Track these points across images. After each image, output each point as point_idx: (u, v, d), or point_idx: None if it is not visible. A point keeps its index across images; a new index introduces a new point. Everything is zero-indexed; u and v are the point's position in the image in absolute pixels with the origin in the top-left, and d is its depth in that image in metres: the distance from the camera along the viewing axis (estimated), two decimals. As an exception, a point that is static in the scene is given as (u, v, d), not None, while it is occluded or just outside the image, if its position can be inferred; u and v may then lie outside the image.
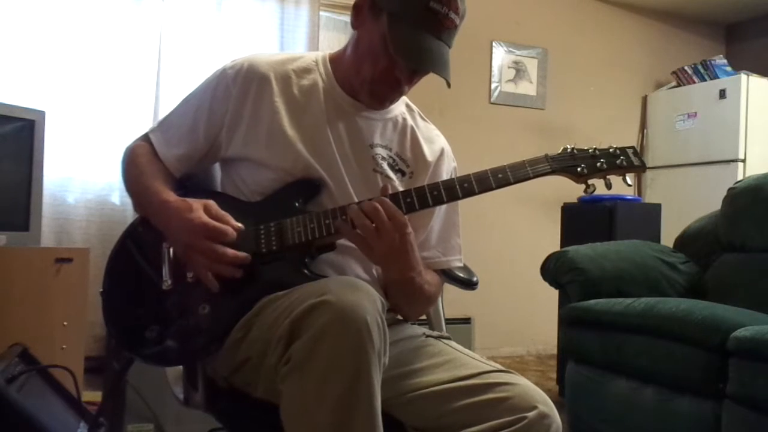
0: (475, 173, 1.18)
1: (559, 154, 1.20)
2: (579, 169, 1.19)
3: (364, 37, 1.24)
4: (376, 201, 1.12)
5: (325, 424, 0.93)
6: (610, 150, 1.21)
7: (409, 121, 1.36)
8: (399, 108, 1.36)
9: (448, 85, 1.19)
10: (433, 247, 1.35)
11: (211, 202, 1.18)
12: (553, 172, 1.18)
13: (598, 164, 1.19)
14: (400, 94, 1.28)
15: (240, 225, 1.16)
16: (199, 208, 1.15)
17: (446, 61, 1.19)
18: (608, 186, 1.21)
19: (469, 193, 1.18)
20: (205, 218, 1.14)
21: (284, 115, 1.25)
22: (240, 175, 1.28)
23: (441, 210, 1.35)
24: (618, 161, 1.20)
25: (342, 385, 0.93)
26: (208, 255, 1.13)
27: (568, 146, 1.21)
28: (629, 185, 1.24)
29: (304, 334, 0.95)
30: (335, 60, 1.32)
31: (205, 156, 1.31)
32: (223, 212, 1.17)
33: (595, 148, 1.21)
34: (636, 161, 1.21)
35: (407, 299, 1.26)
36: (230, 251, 1.13)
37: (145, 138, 1.34)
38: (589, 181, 1.20)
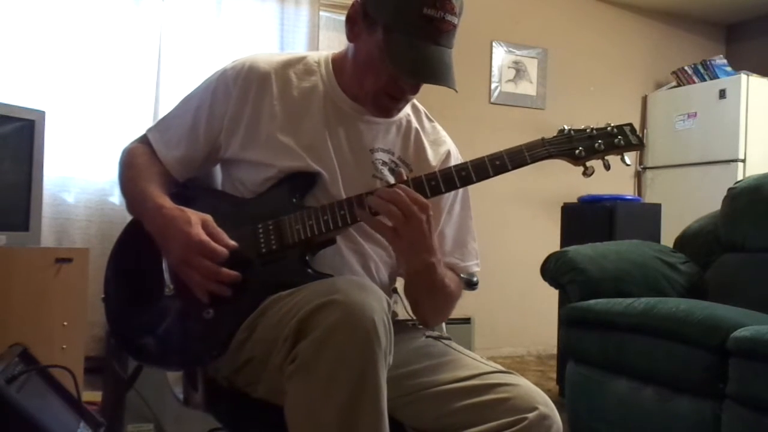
0: (472, 160, 1.16)
1: (555, 136, 1.18)
2: (577, 151, 1.17)
3: (361, 50, 1.21)
4: (396, 187, 1.11)
5: (331, 423, 0.93)
6: (608, 129, 1.18)
7: (414, 124, 1.34)
8: (404, 110, 1.32)
9: (455, 91, 1.17)
10: (449, 253, 1.32)
11: (209, 218, 1.16)
12: (551, 156, 1.17)
13: (596, 145, 1.17)
14: (407, 102, 1.25)
15: (234, 243, 1.15)
16: (197, 223, 1.13)
17: (448, 67, 1.15)
18: (607, 167, 1.19)
19: (466, 181, 1.16)
20: (203, 236, 1.12)
21: (283, 119, 1.24)
22: (239, 177, 1.27)
23: (454, 215, 1.34)
24: (616, 140, 1.17)
25: (349, 384, 0.93)
26: (202, 272, 1.12)
27: (565, 127, 1.19)
28: (628, 165, 1.21)
29: (311, 333, 0.95)
30: (337, 61, 1.30)
31: (207, 158, 1.30)
32: (219, 230, 1.15)
33: (592, 128, 1.19)
34: (634, 139, 1.18)
35: (429, 293, 1.23)
36: (224, 270, 1.12)
37: (143, 139, 1.32)
38: (588, 163, 1.18)
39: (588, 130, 1.18)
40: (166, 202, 1.19)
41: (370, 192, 1.14)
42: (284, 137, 1.23)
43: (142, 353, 1.20)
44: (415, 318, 1.34)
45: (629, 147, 1.18)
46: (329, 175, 1.23)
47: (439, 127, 1.39)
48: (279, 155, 1.23)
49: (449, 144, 1.38)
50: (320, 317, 0.95)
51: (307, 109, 1.26)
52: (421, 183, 1.15)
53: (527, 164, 1.16)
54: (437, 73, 1.14)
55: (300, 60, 1.30)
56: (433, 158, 1.33)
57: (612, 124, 1.19)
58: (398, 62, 1.13)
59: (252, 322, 1.13)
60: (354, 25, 1.21)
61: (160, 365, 1.22)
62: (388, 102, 1.22)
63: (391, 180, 1.27)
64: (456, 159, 1.37)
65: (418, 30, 1.12)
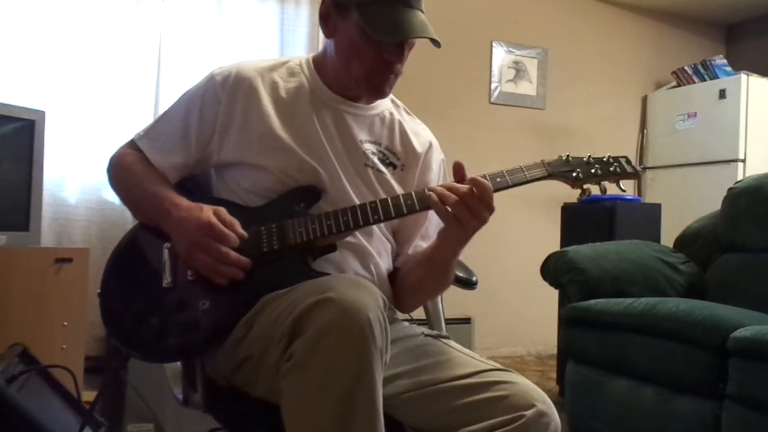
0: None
1: (554, 160, 1.23)
2: (574, 174, 1.22)
3: (341, 40, 1.25)
4: (476, 181, 1.12)
5: (327, 421, 0.93)
6: (604, 159, 1.24)
7: (396, 116, 1.39)
8: (385, 104, 1.38)
9: (437, 44, 1.20)
10: (431, 236, 1.35)
11: (222, 209, 1.19)
12: (549, 176, 1.21)
13: (593, 170, 1.23)
14: (396, 75, 1.28)
15: (245, 233, 1.17)
16: (209, 210, 1.17)
17: (425, 24, 1.20)
18: (603, 191, 1.25)
19: None
20: (213, 219, 1.15)
21: (274, 118, 1.27)
22: (235, 179, 1.29)
23: None
24: (612, 168, 1.24)
25: (344, 383, 0.93)
26: (211, 254, 1.14)
27: (563, 155, 1.24)
28: (623, 191, 1.28)
29: (306, 331, 0.96)
30: (318, 60, 1.34)
31: (198, 161, 1.31)
32: (231, 218, 1.18)
33: (589, 156, 1.24)
34: (629, 169, 1.25)
35: (438, 280, 1.30)
36: (233, 253, 1.14)
37: (132, 146, 1.33)
38: (585, 186, 1.24)
39: (585, 158, 1.24)
40: (182, 200, 1.22)
41: (434, 187, 1.16)
42: (279, 135, 1.25)
43: (136, 345, 1.21)
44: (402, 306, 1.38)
45: (625, 175, 1.25)
46: (328, 169, 1.25)
47: (417, 120, 1.44)
48: (275, 155, 1.25)
49: (430, 135, 1.42)
50: (314, 316, 0.96)
51: (296, 107, 1.29)
52: (422, 195, 1.17)
53: (527, 182, 1.20)
54: (417, 29, 1.19)
55: (282, 64, 1.35)
56: (419, 147, 1.38)
57: (609, 155, 1.25)
58: (378, 29, 1.18)
59: (249, 319, 1.14)
60: (328, 20, 1.26)
61: (154, 357, 1.23)
62: (380, 78, 1.25)
63: (383, 168, 1.31)
64: (437, 149, 1.42)
65: None
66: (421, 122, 1.44)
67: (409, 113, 1.43)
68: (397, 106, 1.42)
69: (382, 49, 1.21)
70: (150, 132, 1.33)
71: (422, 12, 1.21)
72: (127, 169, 1.30)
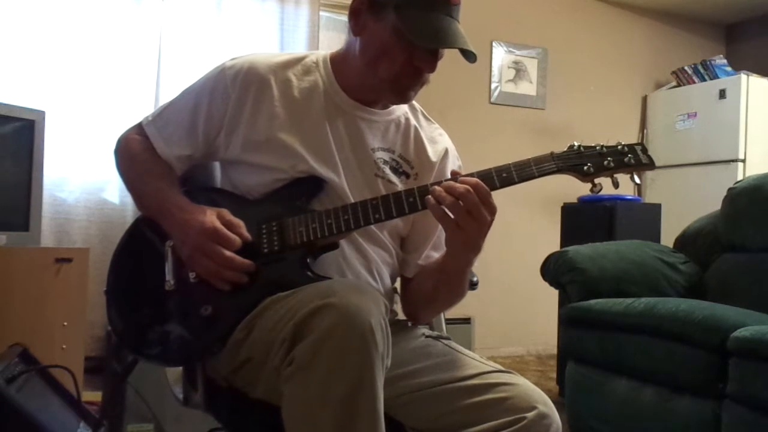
0: (479, 172, 1.13)
1: (565, 152, 1.16)
2: (585, 167, 1.14)
3: (370, 41, 1.20)
4: (466, 181, 1.08)
5: (328, 425, 0.93)
6: (618, 147, 1.16)
7: (413, 122, 1.34)
8: (401, 108, 1.33)
9: (474, 58, 1.18)
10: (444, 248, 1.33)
11: (225, 210, 1.17)
12: (559, 170, 1.14)
13: (606, 163, 1.14)
14: (423, 83, 1.24)
15: (249, 237, 1.16)
16: (212, 213, 1.16)
17: (464, 36, 1.18)
18: (615, 185, 1.17)
19: None
20: (217, 223, 1.14)
21: (284, 119, 1.24)
22: (238, 177, 1.27)
23: None
24: (626, 159, 1.15)
25: (345, 388, 0.93)
26: (215, 259, 1.13)
27: (575, 144, 1.17)
28: (637, 183, 1.19)
29: (308, 336, 0.95)
30: (336, 60, 1.29)
31: (205, 155, 1.30)
32: (236, 220, 1.16)
33: (602, 146, 1.16)
34: (644, 159, 1.15)
35: (451, 288, 1.24)
36: (237, 258, 1.13)
37: (139, 130, 1.31)
38: (596, 180, 1.16)
39: (598, 148, 1.16)
40: (184, 200, 1.20)
41: (437, 182, 1.12)
42: (286, 137, 1.23)
43: (140, 347, 1.21)
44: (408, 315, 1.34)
45: (639, 166, 1.15)
46: (333, 174, 1.23)
47: (435, 125, 1.39)
48: (281, 157, 1.22)
49: (447, 142, 1.37)
50: (317, 320, 0.95)
51: (308, 108, 1.26)
52: (425, 191, 1.14)
53: (535, 178, 1.14)
54: (458, 38, 1.17)
55: (299, 61, 1.30)
56: (433, 155, 1.33)
57: (623, 143, 1.17)
58: (419, 35, 1.15)
59: (249, 322, 1.13)
60: (358, 17, 1.21)
61: (158, 360, 1.23)
62: (408, 82, 1.21)
63: (394, 179, 1.27)
64: (453, 156, 1.37)
65: (430, 3, 1.15)
66: (439, 127, 1.39)
67: (428, 117, 1.38)
68: (414, 110, 1.37)
69: (413, 54, 1.17)
70: (158, 119, 1.31)
71: (459, 23, 1.19)
72: (132, 158, 1.29)
